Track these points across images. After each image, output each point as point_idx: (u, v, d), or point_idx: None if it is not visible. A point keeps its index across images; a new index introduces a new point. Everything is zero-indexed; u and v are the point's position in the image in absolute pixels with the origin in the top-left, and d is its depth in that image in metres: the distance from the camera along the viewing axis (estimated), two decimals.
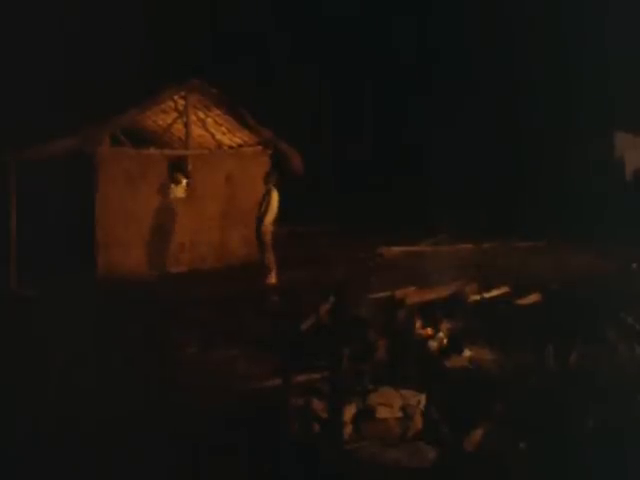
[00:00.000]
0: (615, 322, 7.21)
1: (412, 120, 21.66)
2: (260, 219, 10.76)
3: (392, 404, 5.16)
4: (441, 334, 6.97)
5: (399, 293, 8.68)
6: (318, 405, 5.17)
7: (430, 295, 8.62)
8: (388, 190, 19.85)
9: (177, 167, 13.01)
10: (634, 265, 10.94)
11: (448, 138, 20.12)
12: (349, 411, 5.07)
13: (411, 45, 22.47)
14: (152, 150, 12.83)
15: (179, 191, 13.10)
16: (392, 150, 21.36)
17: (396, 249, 14.31)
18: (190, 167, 12.97)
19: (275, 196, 10.78)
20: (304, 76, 22.07)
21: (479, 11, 20.99)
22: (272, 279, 10.73)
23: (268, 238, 10.76)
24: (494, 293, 8.91)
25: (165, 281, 11.71)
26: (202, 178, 13.08)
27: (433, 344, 6.80)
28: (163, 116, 13.79)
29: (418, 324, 7.26)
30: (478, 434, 4.88)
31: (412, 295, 8.70)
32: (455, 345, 6.72)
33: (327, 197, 19.56)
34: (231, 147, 14.31)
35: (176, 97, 12.98)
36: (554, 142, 17.99)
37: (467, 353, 6.61)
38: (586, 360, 6.27)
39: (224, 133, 14.11)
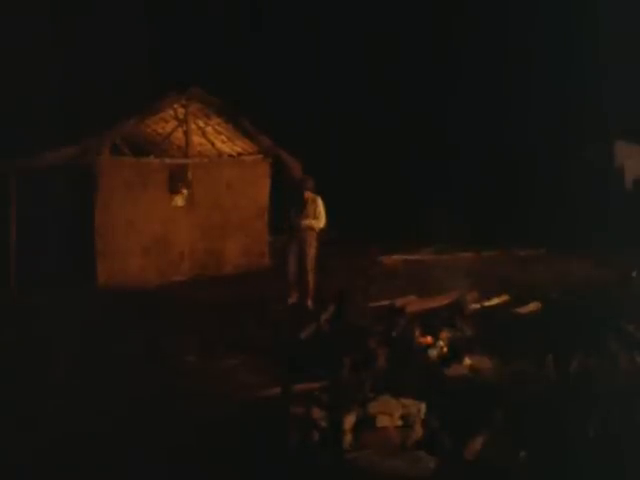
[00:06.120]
0: (615, 330, 7.20)
1: (410, 123, 21.69)
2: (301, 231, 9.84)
3: (392, 413, 5.15)
4: (441, 342, 6.97)
5: (399, 301, 8.70)
6: (318, 414, 5.15)
7: (430, 303, 8.64)
8: (389, 197, 19.85)
9: (177, 176, 13.03)
10: (634, 273, 10.93)
11: (448, 144, 20.16)
12: (349, 420, 5.06)
13: (411, 46, 22.57)
14: (152, 159, 12.86)
15: (179, 200, 13.12)
16: (391, 153, 21.37)
17: (396, 257, 14.30)
18: (190, 176, 12.98)
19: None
20: (303, 77, 22.17)
21: (481, 16, 21.11)
22: (309, 302, 9.75)
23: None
24: (494, 302, 8.92)
25: (165, 290, 11.71)
26: (202, 186, 13.09)
27: (433, 352, 6.79)
28: (163, 124, 13.82)
29: (418, 332, 7.25)
30: (478, 443, 4.86)
31: (412, 303, 8.72)
32: (455, 353, 6.71)
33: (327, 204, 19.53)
34: (231, 155, 14.34)
35: (176, 105, 13.01)
36: (554, 150, 18.02)
37: (467, 361, 6.59)
38: (586, 369, 6.26)
39: (224, 141, 14.14)
